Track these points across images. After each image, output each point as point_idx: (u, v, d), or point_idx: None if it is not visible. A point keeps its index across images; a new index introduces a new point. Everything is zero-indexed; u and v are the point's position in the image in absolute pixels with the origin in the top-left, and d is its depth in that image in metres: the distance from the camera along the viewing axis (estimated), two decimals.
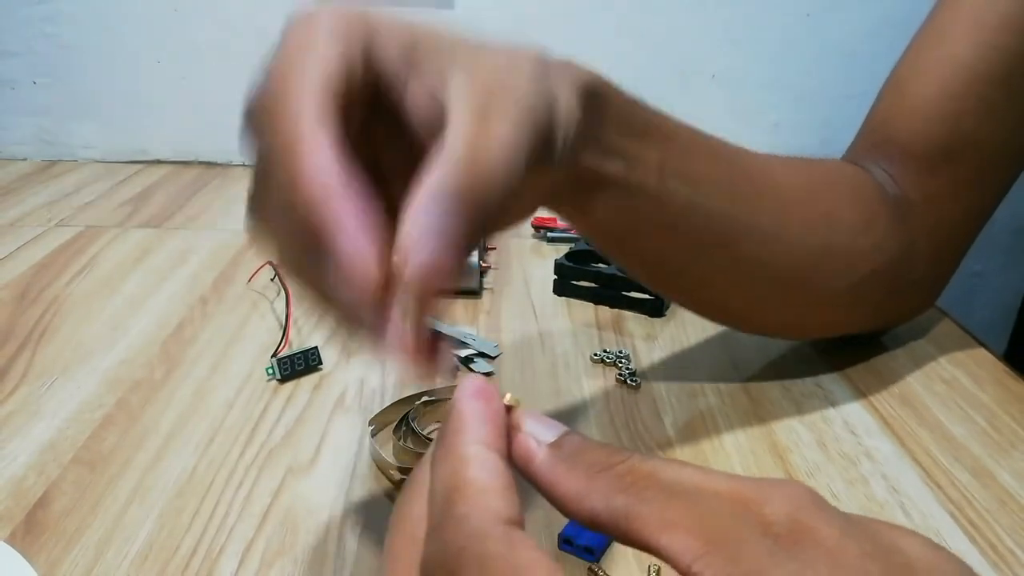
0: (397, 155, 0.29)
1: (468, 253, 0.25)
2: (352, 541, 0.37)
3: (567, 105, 0.30)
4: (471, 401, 0.22)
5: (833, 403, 0.49)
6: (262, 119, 0.25)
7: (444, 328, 0.51)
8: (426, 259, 0.24)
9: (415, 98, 0.28)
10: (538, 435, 0.22)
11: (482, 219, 0.25)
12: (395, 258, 0.24)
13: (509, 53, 0.29)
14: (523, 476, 0.22)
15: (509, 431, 0.23)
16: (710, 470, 0.20)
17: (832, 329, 0.53)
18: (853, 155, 0.53)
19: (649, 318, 0.60)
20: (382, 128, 0.29)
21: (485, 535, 0.18)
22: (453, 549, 0.19)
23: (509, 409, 0.23)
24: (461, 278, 0.25)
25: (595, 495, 0.20)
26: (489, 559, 0.18)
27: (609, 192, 0.37)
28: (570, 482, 0.21)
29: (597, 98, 0.34)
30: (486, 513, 0.19)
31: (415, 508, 0.21)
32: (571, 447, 0.22)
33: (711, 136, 0.42)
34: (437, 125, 0.27)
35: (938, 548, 0.18)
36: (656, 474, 0.20)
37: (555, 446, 0.22)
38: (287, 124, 0.24)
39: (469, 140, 0.25)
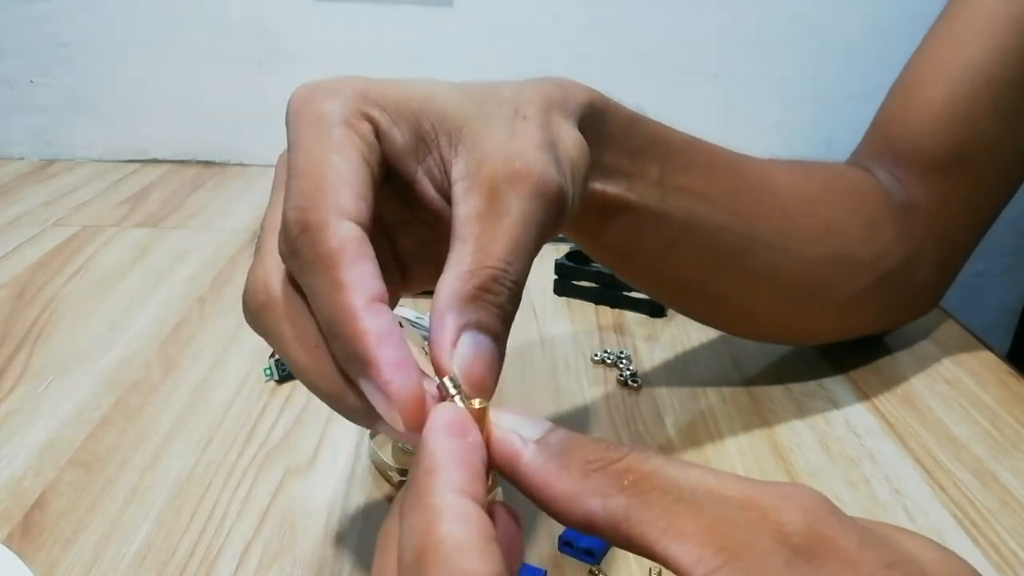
0: (401, 208, 0.29)
1: (505, 337, 0.25)
2: (350, 542, 0.37)
3: (576, 163, 0.29)
4: (443, 439, 0.20)
5: (835, 404, 0.49)
6: (302, 246, 0.23)
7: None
8: (469, 373, 0.23)
9: (424, 182, 0.28)
10: (521, 432, 0.21)
11: (506, 307, 0.25)
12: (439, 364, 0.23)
13: (512, 122, 0.28)
14: (507, 478, 0.21)
15: (486, 435, 0.21)
16: (716, 471, 0.19)
17: (835, 335, 0.53)
18: (859, 156, 0.52)
19: (650, 318, 0.60)
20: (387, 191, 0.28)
21: None
22: None
23: (481, 412, 0.22)
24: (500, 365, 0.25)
25: (591, 496, 0.19)
26: None
27: (612, 213, 0.37)
28: (562, 482, 0.19)
29: (598, 122, 0.33)
30: (461, 571, 0.17)
31: (389, 563, 0.20)
32: (560, 443, 0.20)
33: (710, 145, 0.42)
34: (447, 200, 0.27)
35: (947, 551, 0.18)
36: (658, 474, 0.19)
37: (542, 443, 0.21)
38: (329, 260, 0.23)
39: (479, 244, 0.25)
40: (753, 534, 0.17)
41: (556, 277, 0.63)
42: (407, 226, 0.30)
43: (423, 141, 0.27)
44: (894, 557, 0.17)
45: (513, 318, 0.25)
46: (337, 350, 0.23)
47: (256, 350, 0.53)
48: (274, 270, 0.25)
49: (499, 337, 0.24)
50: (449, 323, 0.23)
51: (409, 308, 0.54)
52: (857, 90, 0.93)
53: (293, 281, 0.25)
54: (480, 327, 0.24)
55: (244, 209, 0.81)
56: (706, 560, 0.17)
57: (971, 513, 0.40)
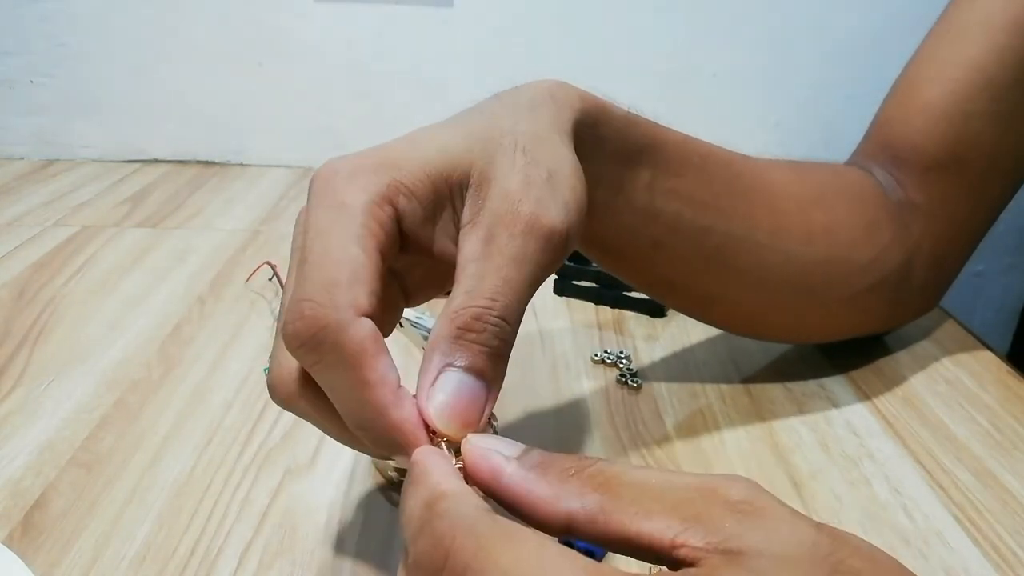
0: (413, 256, 0.30)
1: (494, 373, 0.26)
2: (351, 542, 0.37)
3: (577, 192, 0.30)
4: (430, 455, 0.23)
5: (835, 404, 0.49)
6: (320, 344, 0.24)
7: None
8: (444, 412, 0.25)
9: (443, 241, 0.29)
10: (502, 451, 0.23)
11: (491, 343, 0.26)
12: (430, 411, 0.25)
13: (513, 156, 0.29)
14: (491, 494, 0.23)
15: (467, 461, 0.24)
16: (672, 470, 0.22)
17: (834, 334, 0.53)
18: (859, 156, 0.52)
19: (650, 318, 0.60)
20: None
21: (471, 516, 0.20)
22: (443, 533, 0.19)
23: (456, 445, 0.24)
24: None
25: (570, 496, 0.21)
26: (482, 536, 0.19)
27: (598, 214, 0.37)
28: (543, 487, 0.22)
29: (592, 127, 0.34)
30: (469, 505, 0.20)
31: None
32: (537, 457, 0.23)
33: (704, 145, 0.42)
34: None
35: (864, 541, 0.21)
36: (625, 473, 0.22)
37: (522, 458, 0.23)
38: (352, 361, 0.24)
39: (468, 285, 0.26)
40: (708, 506, 0.20)
41: (556, 277, 0.63)
42: (416, 266, 0.31)
43: (439, 203, 0.28)
44: (821, 525, 0.20)
45: (505, 353, 0.26)
46: (369, 439, 0.25)
47: (256, 350, 0.53)
48: (293, 365, 0.27)
49: (483, 373, 0.25)
50: (432, 364, 0.25)
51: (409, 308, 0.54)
52: (857, 90, 0.93)
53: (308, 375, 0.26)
54: (461, 366, 0.25)
55: (244, 209, 0.81)
56: (673, 526, 0.20)
57: (971, 513, 0.40)
